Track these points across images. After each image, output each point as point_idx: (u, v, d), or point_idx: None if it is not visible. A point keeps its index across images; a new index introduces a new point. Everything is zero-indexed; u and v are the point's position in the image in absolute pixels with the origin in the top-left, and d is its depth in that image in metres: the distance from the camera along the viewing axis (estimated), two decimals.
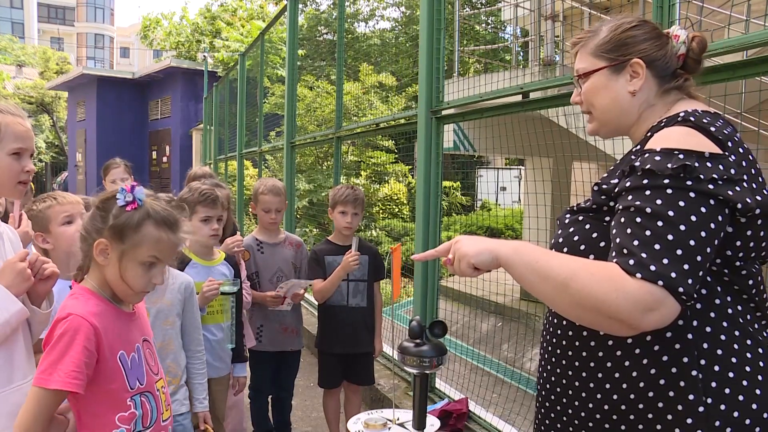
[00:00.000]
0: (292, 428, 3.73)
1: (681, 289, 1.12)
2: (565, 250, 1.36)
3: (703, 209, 1.16)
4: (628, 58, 1.38)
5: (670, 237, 1.14)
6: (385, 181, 11.00)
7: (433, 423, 1.81)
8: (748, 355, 1.25)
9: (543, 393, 1.46)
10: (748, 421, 1.21)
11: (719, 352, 1.23)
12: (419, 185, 3.81)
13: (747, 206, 1.18)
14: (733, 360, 1.24)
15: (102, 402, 1.56)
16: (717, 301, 1.25)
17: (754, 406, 1.22)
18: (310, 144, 7.54)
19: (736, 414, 1.21)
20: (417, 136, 3.86)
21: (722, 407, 1.21)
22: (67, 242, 2.05)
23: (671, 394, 1.23)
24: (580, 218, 1.38)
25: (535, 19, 6.38)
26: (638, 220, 1.18)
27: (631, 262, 1.15)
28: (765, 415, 1.23)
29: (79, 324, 1.52)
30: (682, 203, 1.16)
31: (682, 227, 1.15)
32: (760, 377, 1.24)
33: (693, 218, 1.15)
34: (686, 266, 1.13)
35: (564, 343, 1.38)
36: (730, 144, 1.24)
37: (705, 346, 1.24)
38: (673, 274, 1.12)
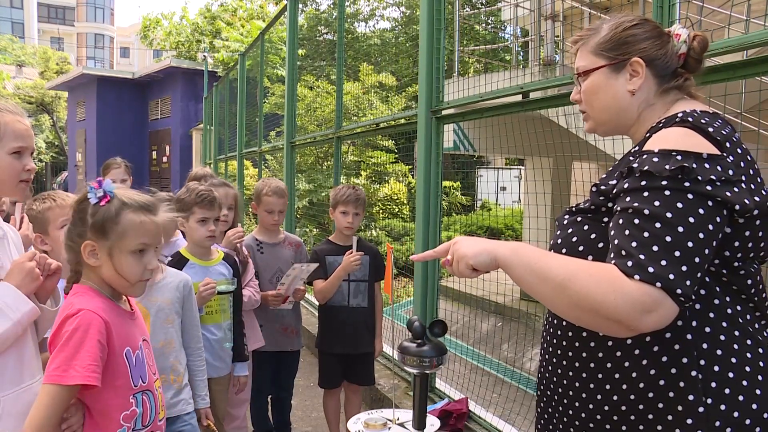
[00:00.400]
0: (292, 428, 3.73)
1: (679, 291, 1.12)
2: (564, 251, 1.36)
3: (701, 210, 1.16)
4: (627, 57, 1.38)
5: (668, 238, 1.14)
6: (385, 181, 11.00)
7: (433, 423, 1.81)
8: (748, 355, 1.24)
9: (543, 394, 1.46)
10: (748, 421, 1.21)
11: (719, 352, 1.23)
12: (419, 185, 3.81)
13: (745, 207, 1.18)
14: (733, 360, 1.23)
15: (108, 398, 1.57)
16: (716, 302, 1.25)
17: (754, 406, 1.22)
18: (310, 144, 7.54)
19: (736, 414, 1.21)
20: (417, 136, 3.86)
21: (722, 407, 1.21)
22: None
23: (671, 394, 1.23)
24: (579, 219, 1.38)
25: (535, 19, 6.38)
26: (636, 221, 1.18)
27: (630, 263, 1.15)
28: (765, 415, 1.22)
29: (91, 318, 1.54)
30: (680, 205, 1.16)
31: (680, 229, 1.15)
32: (760, 377, 1.24)
33: (691, 220, 1.15)
34: (684, 268, 1.13)
35: (564, 344, 1.38)
36: (728, 144, 1.24)
37: (704, 346, 1.24)
38: (671, 276, 1.12)
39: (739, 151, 1.25)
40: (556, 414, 1.42)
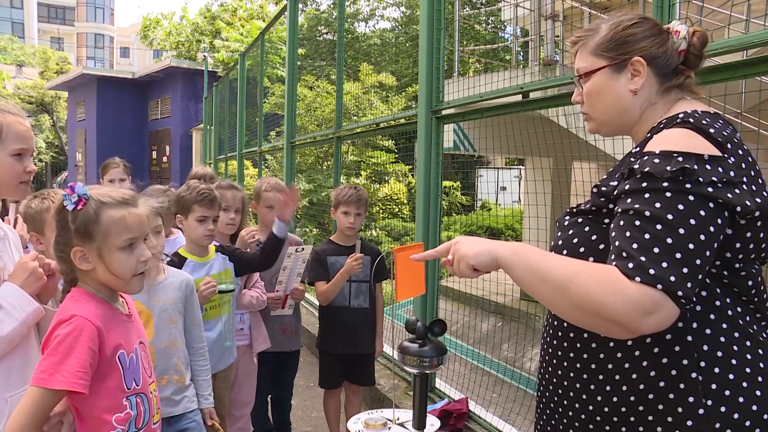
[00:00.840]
0: (292, 428, 3.73)
1: (680, 293, 1.12)
2: (565, 252, 1.35)
3: (702, 212, 1.16)
4: (628, 57, 1.37)
5: (669, 240, 1.14)
6: (385, 181, 11.01)
7: (433, 423, 1.81)
8: (748, 356, 1.24)
9: (544, 395, 1.46)
10: (748, 423, 1.21)
11: (719, 354, 1.23)
12: (419, 185, 3.81)
13: (747, 209, 1.18)
14: (733, 362, 1.23)
15: (101, 401, 1.57)
16: (717, 303, 1.25)
17: (754, 408, 1.22)
18: (310, 144, 7.54)
19: (736, 416, 1.21)
20: (417, 136, 3.86)
21: (722, 409, 1.21)
22: None
23: (671, 396, 1.23)
24: (579, 220, 1.37)
25: (535, 18, 6.38)
26: (637, 223, 1.18)
27: (630, 265, 1.14)
28: (765, 417, 1.22)
29: (83, 325, 1.53)
30: (681, 206, 1.16)
31: (681, 231, 1.15)
32: (760, 379, 1.24)
33: (692, 222, 1.15)
34: (685, 270, 1.13)
35: (565, 345, 1.38)
36: (729, 146, 1.23)
37: (705, 348, 1.23)
38: (672, 278, 1.12)
39: (740, 152, 1.25)
40: (555, 415, 1.41)
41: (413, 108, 4.83)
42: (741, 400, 1.22)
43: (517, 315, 6.36)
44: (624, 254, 1.17)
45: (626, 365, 1.28)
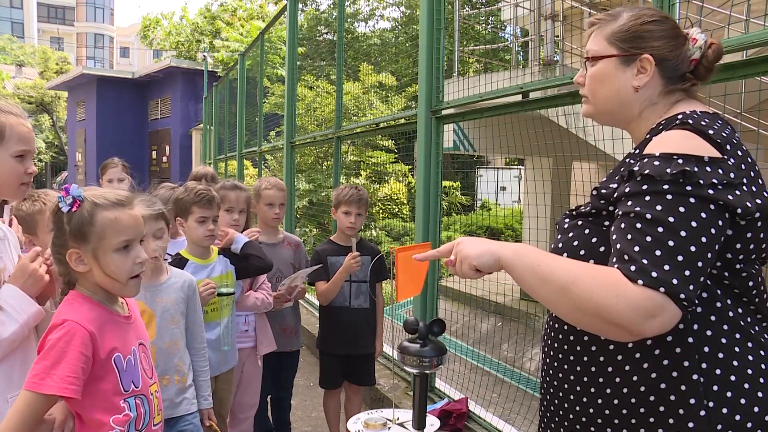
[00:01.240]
0: (292, 428, 3.73)
1: (682, 296, 1.12)
2: (565, 254, 1.35)
3: (703, 215, 1.16)
4: (639, 53, 1.36)
5: (670, 243, 1.14)
6: (385, 180, 11.00)
7: (432, 423, 1.81)
8: (750, 357, 1.24)
9: (545, 397, 1.46)
10: (750, 425, 1.21)
11: (720, 355, 1.23)
12: (419, 185, 3.81)
13: (747, 210, 1.18)
14: (735, 363, 1.23)
15: (97, 403, 1.56)
16: (718, 305, 1.25)
17: (756, 410, 1.22)
18: (310, 144, 7.54)
19: (738, 417, 1.21)
20: (417, 136, 3.86)
21: (724, 411, 1.21)
22: None
23: (672, 397, 1.23)
24: (579, 223, 1.37)
25: (534, 18, 6.38)
26: (638, 225, 1.18)
27: (633, 268, 1.14)
28: (767, 419, 1.22)
29: (75, 330, 1.52)
30: (682, 209, 1.16)
31: (683, 233, 1.14)
32: (761, 380, 1.23)
33: (693, 224, 1.15)
34: (687, 272, 1.13)
35: (565, 347, 1.38)
36: (729, 147, 1.23)
37: (706, 349, 1.23)
38: (675, 281, 1.12)
39: (739, 153, 1.25)
40: (556, 417, 1.41)
41: (413, 108, 4.83)
42: (743, 401, 1.21)
43: (517, 315, 6.36)
44: (626, 257, 1.16)
45: (627, 367, 1.27)
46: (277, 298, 3.28)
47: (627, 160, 1.36)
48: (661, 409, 1.24)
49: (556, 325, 1.41)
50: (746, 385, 1.22)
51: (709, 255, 1.16)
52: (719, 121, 1.30)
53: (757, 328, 1.28)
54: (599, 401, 1.31)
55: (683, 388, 1.22)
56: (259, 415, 3.54)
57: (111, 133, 19.34)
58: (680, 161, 1.18)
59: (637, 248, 1.16)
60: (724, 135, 1.25)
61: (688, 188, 1.16)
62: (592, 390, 1.32)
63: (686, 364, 1.23)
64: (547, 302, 1.26)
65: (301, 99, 9.64)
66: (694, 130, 1.24)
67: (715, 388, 1.22)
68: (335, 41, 6.32)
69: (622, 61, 1.38)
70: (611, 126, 1.51)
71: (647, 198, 1.19)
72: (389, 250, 3.08)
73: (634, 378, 1.26)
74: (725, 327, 1.24)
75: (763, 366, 1.24)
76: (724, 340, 1.24)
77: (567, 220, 1.41)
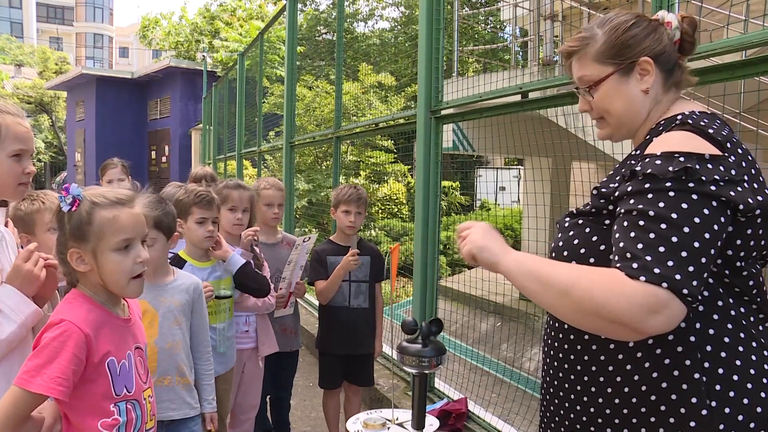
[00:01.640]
0: (292, 428, 3.73)
1: (686, 291, 1.12)
2: (566, 253, 1.35)
3: (705, 211, 1.16)
4: (634, 60, 1.36)
5: (674, 239, 1.14)
6: (384, 180, 11.01)
7: (432, 423, 1.82)
8: (753, 357, 1.24)
9: (545, 397, 1.45)
10: (752, 425, 1.21)
11: (723, 354, 1.23)
12: (418, 185, 3.81)
13: (748, 206, 1.18)
14: (737, 362, 1.22)
15: (85, 406, 1.55)
16: (719, 303, 1.24)
17: (758, 409, 1.21)
18: (309, 144, 7.54)
19: (740, 417, 1.20)
20: (416, 136, 3.85)
21: (726, 410, 1.20)
22: (52, 250, 2.04)
23: (674, 397, 1.23)
24: (580, 222, 1.37)
25: (534, 18, 6.39)
26: (641, 223, 1.18)
27: (635, 265, 1.14)
28: None
29: (71, 331, 1.50)
30: (684, 205, 1.16)
31: (686, 229, 1.14)
32: (764, 380, 1.23)
33: (696, 220, 1.15)
34: (691, 268, 1.13)
35: (566, 346, 1.38)
36: (729, 145, 1.24)
37: (708, 348, 1.23)
38: (678, 276, 1.12)
39: (739, 151, 1.25)
40: (556, 417, 1.41)
41: (412, 108, 4.83)
42: (745, 401, 1.21)
43: (516, 315, 6.36)
44: (628, 255, 1.16)
45: (628, 366, 1.27)
46: (279, 298, 3.27)
47: (628, 161, 1.36)
48: (663, 408, 1.23)
49: (557, 325, 1.41)
50: (749, 385, 1.22)
51: (712, 251, 1.16)
52: (718, 121, 1.31)
53: (759, 328, 1.28)
54: (600, 400, 1.31)
55: (685, 387, 1.22)
56: (259, 415, 3.54)
57: (110, 133, 19.33)
58: (682, 159, 1.18)
59: (640, 245, 1.15)
60: (724, 134, 1.26)
61: (691, 185, 1.16)
62: (593, 389, 1.32)
63: (688, 363, 1.22)
64: (549, 307, 1.27)
65: (301, 99, 9.64)
66: (694, 130, 1.25)
67: (718, 387, 1.21)
68: (334, 41, 6.31)
69: (621, 74, 1.38)
70: (629, 139, 1.49)
71: (650, 196, 1.19)
72: (388, 250, 3.09)
73: (635, 377, 1.26)
74: (728, 326, 1.24)
75: (766, 365, 1.24)
76: (726, 339, 1.23)
77: (567, 219, 1.41)
